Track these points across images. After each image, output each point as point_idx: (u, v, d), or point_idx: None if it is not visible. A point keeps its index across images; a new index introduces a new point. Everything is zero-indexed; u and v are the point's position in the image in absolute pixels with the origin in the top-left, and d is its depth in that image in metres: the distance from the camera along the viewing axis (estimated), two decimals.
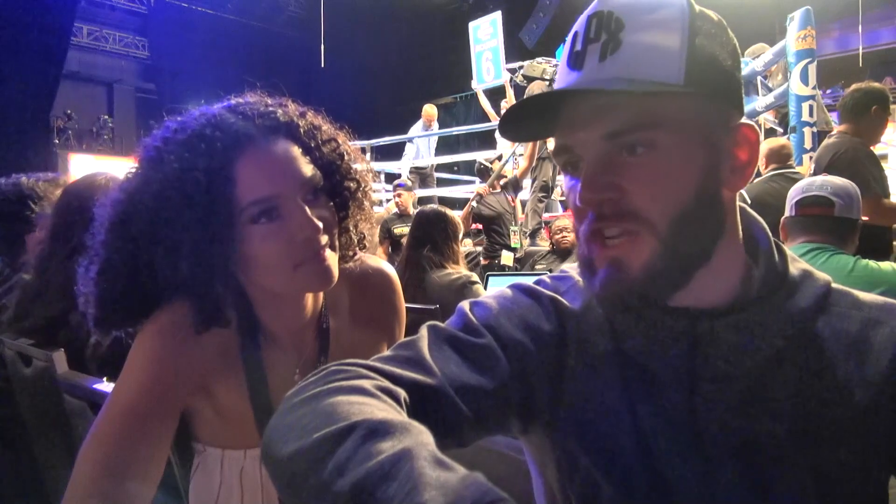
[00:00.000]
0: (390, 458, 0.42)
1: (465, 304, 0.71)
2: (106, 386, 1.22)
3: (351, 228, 0.98)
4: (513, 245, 4.89)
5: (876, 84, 3.14)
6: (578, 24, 0.64)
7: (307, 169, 0.87)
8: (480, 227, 5.28)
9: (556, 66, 5.79)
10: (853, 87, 3.07)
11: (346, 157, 0.96)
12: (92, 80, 14.86)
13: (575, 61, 0.63)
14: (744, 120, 0.65)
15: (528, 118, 0.67)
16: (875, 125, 2.96)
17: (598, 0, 0.63)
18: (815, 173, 2.80)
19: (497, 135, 6.82)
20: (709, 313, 0.64)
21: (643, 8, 0.61)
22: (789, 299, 0.64)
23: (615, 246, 0.61)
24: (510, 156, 5.78)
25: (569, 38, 0.65)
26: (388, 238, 4.89)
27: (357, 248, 1.02)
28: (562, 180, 0.72)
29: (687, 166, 0.60)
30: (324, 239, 0.87)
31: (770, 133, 6.09)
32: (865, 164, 2.82)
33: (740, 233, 0.67)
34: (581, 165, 0.63)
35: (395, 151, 8.43)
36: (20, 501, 1.58)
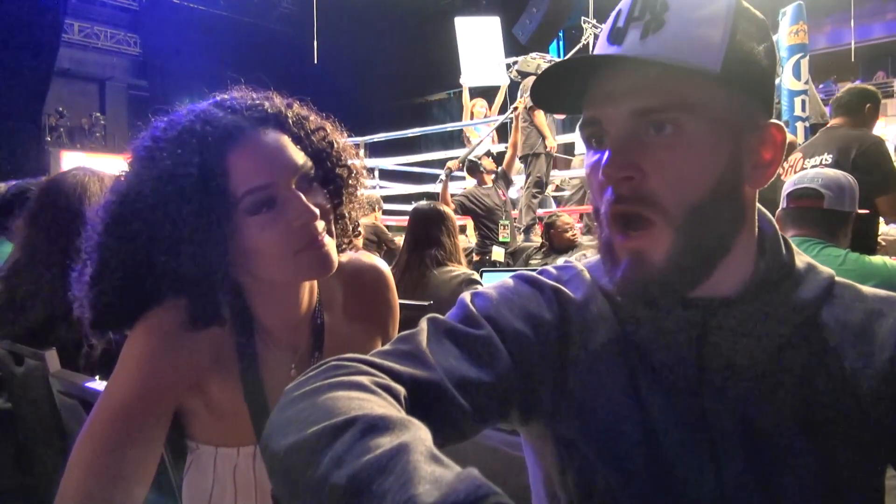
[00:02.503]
0: (387, 453, 0.42)
1: (465, 295, 0.70)
2: (98, 385, 1.21)
3: (346, 215, 0.99)
4: (501, 239, 4.86)
5: (869, 86, 3.59)
6: (623, 3, 0.64)
7: (298, 156, 0.88)
8: (468, 217, 5.23)
9: (550, 61, 5.78)
10: (849, 86, 3.45)
11: (335, 145, 0.96)
12: (83, 78, 14.77)
13: (615, 37, 0.63)
14: (772, 120, 0.65)
15: (562, 88, 0.66)
16: (867, 121, 3.18)
17: None
18: (836, 164, 2.86)
19: (467, 134, 6.82)
20: (718, 303, 0.64)
21: None
22: (795, 290, 0.65)
23: (636, 237, 0.61)
24: (480, 144, 5.74)
25: (611, 15, 0.65)
26: None
27: (352, 236, 1.03)
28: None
29: (710, 155, 0.61)
30: (321, 225, 0.87)
31: None
32: (889, 159, 2.96)
33: (756, 229, 0.68)
34: (606, 140, 0.63)
35: (388, 148, 8.42)
36: (14, 501, 1.57)
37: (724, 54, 0.60)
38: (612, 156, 0.61)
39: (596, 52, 0.66)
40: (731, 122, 0.61)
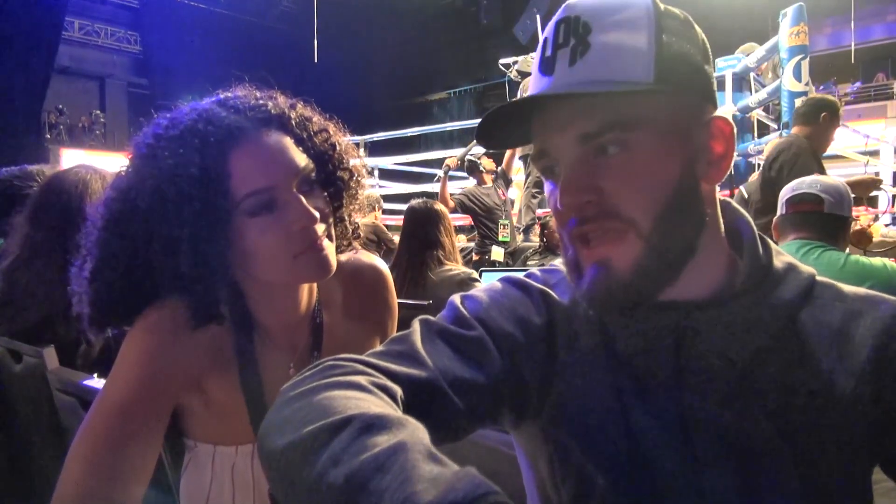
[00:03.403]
0: (385, 451, 0.42)
1: (455, 298, 0.71)
2: (97, 382, 1.21)
3: (346, 218, 0.99)
4: (500, 239, 4.85)
5: (828, 96, 3.81)
6: (547, 31, 0.65)
7: (300, 159, 0.87)
8: (469, 217, 5.21)
9: None
10: (810, 96, 3.67)
11: (338, 148, 0.96)
12: (83, 75, 14.79)
13: (545, 67, 0.63)
14: (717, 113, 0.66)
15: (507, 125, 0.67)
16: (824, 130, 3.30)
17: (565, 6, 0.64)
18: (761, 173, 3.12)
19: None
20: (694, 306, 0.64)
21: (608, 9, 0.61)
22: (773, 291, 0.65)
23: (600, 245, 0.62)
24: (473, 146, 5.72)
25: (539, 45, 0.66)
26: None
27: (352, 239, 1.03)
28: None
29: (663, 163, 0.61)
30: (321, 228, 0.87)
31: (763, 128, 6.12)
32: (805, 161, 3.07)
33: (722, 226, 0.68)
34: (558, 170, 0.64)
35: (388, 147, 8.42)
36: (11, 500, 1.57)
37: (655, 60, 0.60)
38: (566, 183, 0.62)
39: (531, 85, 0.66)
40: (677, 126, 0.62)
